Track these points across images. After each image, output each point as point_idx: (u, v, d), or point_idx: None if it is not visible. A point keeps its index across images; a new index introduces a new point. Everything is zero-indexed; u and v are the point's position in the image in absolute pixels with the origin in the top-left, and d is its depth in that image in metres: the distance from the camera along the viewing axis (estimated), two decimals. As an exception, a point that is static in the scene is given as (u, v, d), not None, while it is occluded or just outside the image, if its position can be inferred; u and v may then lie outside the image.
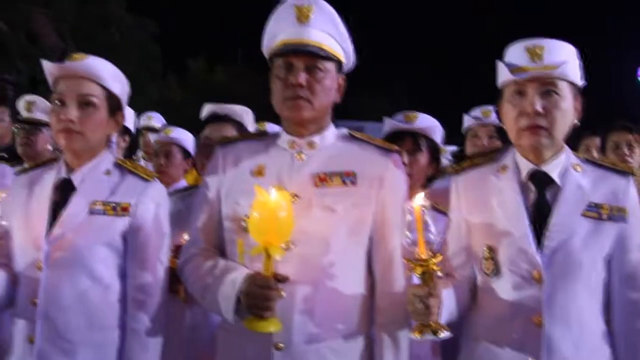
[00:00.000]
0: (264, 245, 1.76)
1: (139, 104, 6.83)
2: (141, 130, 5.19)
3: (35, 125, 3.64)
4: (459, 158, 3.54)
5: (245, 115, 2.79)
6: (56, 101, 2.03)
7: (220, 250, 2.03)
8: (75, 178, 2.07)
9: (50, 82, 2.08)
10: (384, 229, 1.95)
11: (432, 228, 1.75)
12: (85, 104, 2.02)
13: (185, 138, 3.80)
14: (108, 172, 2.09)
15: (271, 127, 3.30)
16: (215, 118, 2.72)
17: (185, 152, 3.78)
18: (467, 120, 3.59)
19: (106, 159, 2.12)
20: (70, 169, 2.08)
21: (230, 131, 2.67)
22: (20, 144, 3.65)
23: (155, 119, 5.49)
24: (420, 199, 1.76)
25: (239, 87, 19.87)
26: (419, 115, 2.70)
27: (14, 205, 2.01)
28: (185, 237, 2.24)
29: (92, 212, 2.01)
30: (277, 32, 1.98)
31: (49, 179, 2.09)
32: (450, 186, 2.09)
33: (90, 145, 2.07)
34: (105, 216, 2.02)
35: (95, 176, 2.07)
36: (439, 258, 1.75)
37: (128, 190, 2.06)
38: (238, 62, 23.23)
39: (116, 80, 2.11)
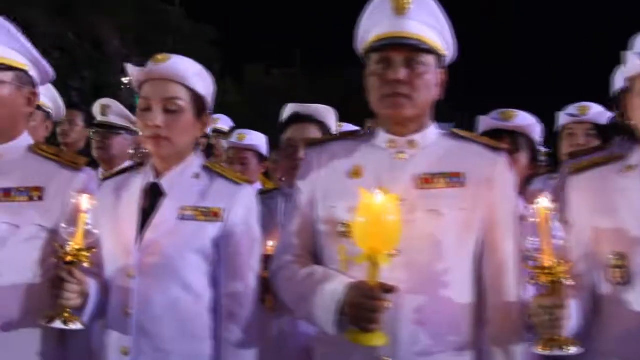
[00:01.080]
0: (370, 252, 1.63)
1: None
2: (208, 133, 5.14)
3: (111, 129, 3.62)
4: (552, 158, 3.33)
5: (328, 115, 2.67)
6: (142, 106, 1.96)
7: (315, 256, 1.92)
8: (164, 182, 1.98)
9: (135, 86, 2.01)
10: (494, 233, 1.81)
11: (559, 233, 1.59)
12: (171, 108, 1.93)
13: (260, 143, 3.71)
14: (197, 176, 2.00)
15: (347, 127, 3.18)
16: (298, 118, 2.61)
17: (261, 156, 3.69)
18: (562, 118, 3.37)
19: (194, 162, 2.03)
20: (158, 173, 2.00)
21: (314, 132, 2.56)
22: (95, 147, 3.63)
23: (223, 122, 5.42)
24: (545, 200, 1.60)
25: (295, 90, 19.91)
26: (517, 112, 2.54)
27: (102, 211, 1.92)
28: (270, 244, 2.13)
29: (182, 217, 1.92)
30: (372, 26, 1.86)
31: (137, 183, 2.01)
32: (567, 186, 1.91)
33: (178, 150, 1.98)
34: (195, 222, 1.92)
35: (184, 180, 1.98)
36: (568, 266, 1.59)
37: (218, 194, 1.96)
38: (294, 66, 23.29)
39: (201, 80, 2.01)
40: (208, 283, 1.93)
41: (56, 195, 1.97)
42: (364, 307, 1.63)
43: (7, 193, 1.96)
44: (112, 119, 3.62)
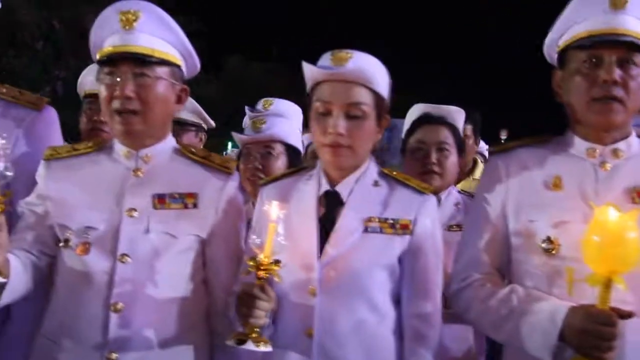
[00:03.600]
0: (607, 274, 1.50)
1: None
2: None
3: (181, 125, 3.39)
4: None
5: (459, 117, 2.52)
6: (320, 110, 1.77)
7: (501, 272, 1.79)
8: (342, 190, 1.80)
9: (308, 85, 1.83)
10: None
11: None
12: (354, 113, 1.74)
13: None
14: (376, 184, 1.82)
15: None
16: (429, 120, 2.45)
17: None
18: None
19: (372, 168, 1.85)
20: (331, 180, 1.83)
21: (445, 135, 2.41)
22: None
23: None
24: None
25: (273, 83, 19.69)
26: None
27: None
28: None
29: (367, 229, 1.75)
30: (579, 20, 1.70)
31: (308, 190, 1.83)
32: None
33: (358, 159, 1.81)
34: (382, 235, 1.75)
35: (364, 188, 1.81)
36: None
37: (403, 204, 1.79)
38: (272, 59, 22.99)
39: (384, 80, 1.82)
40: (392, 302, 1.77)
41: (210, 203, 1.82)
42: (597, 334, 1.49)
43: (162, 200, 1.80)
44: (183, 114, 3.39)
